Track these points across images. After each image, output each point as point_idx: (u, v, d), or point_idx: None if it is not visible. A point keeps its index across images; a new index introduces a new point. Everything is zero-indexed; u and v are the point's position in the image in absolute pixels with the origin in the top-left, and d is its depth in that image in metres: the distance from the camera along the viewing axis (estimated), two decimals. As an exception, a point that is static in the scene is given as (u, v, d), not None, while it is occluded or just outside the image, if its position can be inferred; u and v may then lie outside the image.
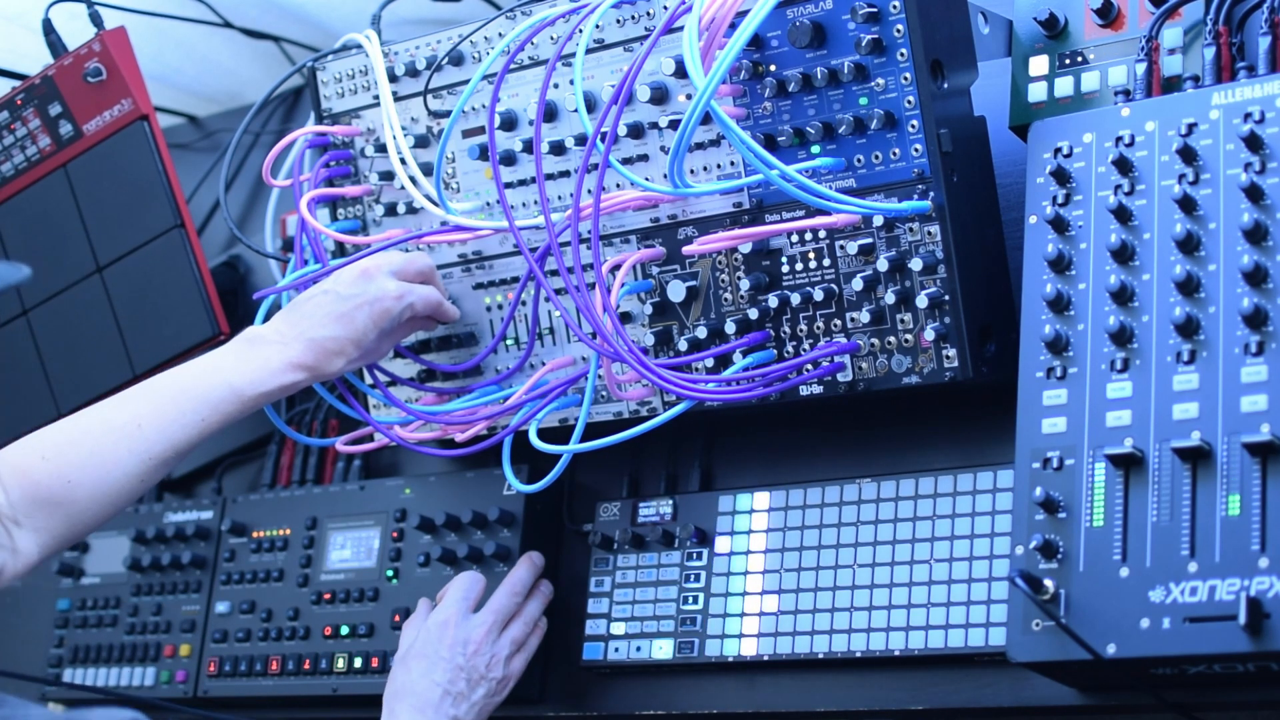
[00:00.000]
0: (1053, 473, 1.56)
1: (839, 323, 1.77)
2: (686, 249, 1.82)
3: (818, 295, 1.77)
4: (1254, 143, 1.53)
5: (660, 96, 1.83)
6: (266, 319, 1.91)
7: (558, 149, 1.90)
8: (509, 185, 1.95)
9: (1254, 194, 1.52)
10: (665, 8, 1.82)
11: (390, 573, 2.08)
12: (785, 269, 1.80)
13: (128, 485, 1.74)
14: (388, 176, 2.04)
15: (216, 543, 2.27)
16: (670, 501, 1.94)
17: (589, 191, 1.75)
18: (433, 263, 1.94)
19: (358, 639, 2.08)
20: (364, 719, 2.03)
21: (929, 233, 1.71)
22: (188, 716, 2.15)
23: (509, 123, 1.93)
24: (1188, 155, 1.56)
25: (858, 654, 1.75)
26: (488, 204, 1.97)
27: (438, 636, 1.84)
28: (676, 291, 1.85)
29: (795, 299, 1.78)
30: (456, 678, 1.82)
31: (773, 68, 1.77)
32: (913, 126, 1.70)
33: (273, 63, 2.56)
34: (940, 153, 1.69)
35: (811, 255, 1.79)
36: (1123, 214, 1.59)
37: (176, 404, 1.76)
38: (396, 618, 2.05)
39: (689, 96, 1.80)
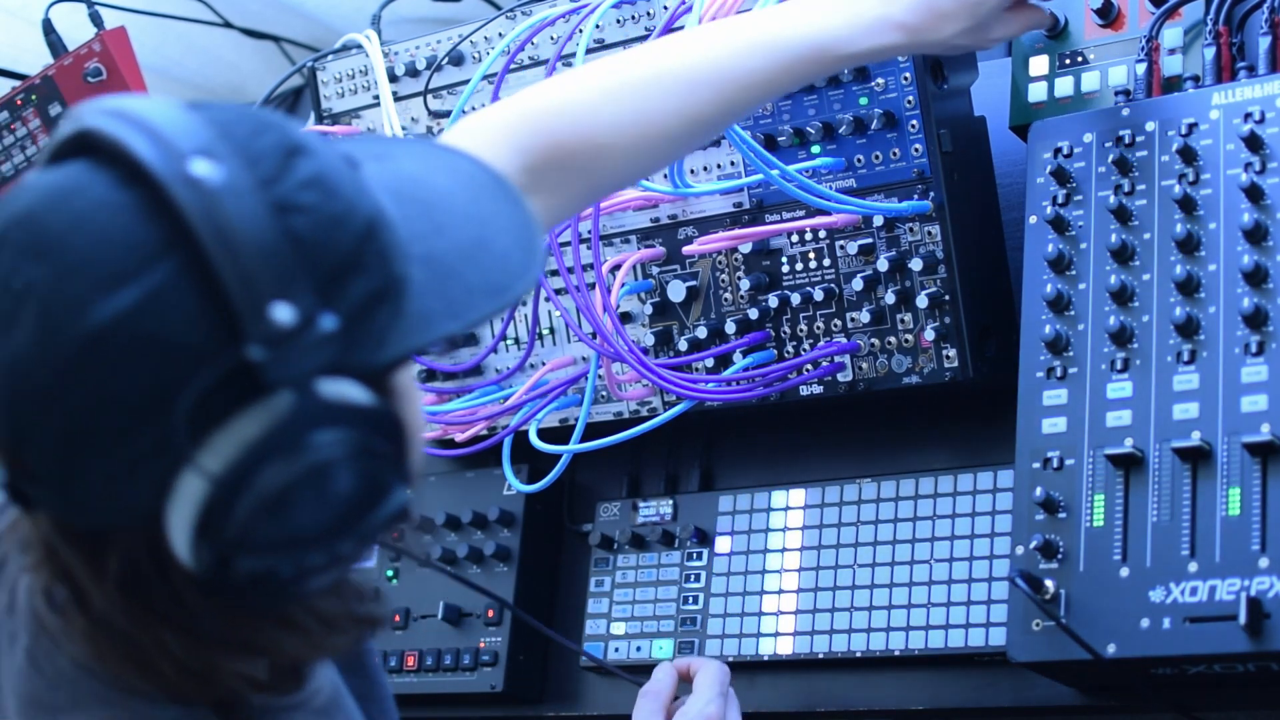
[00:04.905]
0: (1053, 473, 1.56)
1: (839, 323, 1.77)
2: (686, 249, 1.82)
3: (818, 295, 1.77)
4: (1254, 143, 1.53)
5: (660, 96, 1.82)
6: None
7: (558, 149, 1.90)
8: (509, 185, 1.94)
9: (1254, 194, 1.51)
10: (665, 8, 1.81)
11: (390, 573, 2.08)
12: (785, 269, 1.80)
13: (665, 149, 1.50)
14: (388, 176, 2.03)
15: (217, 542, 2.26)
16: (670, 501, 1.94)
17: (589, 191, 1.75)
18: None
19: (358, 639, 2.07)
20: None
21: (929, 233, 1.71)
22: None
23: (509, 122, 1.93)
24: (1188, 155, 1.56)
25: (857, 654, 1.75)
26: (488, 204, 1.97)
27: None
28: (676, 291, 1.85)
29: (795, 299, 1.78)
30: None
31: (773, 68, 1.77)
32: (913, 126, 1.70)
33: (273, 59, 2.55)
34: (940, 153, 1.69)
35: (811, 255, 1.78)
36: (1123, 214, 1.58)
37: (744, 53, 1.46)
38: (396, 618, 2.05)
39: (689, 96, 1.80)
